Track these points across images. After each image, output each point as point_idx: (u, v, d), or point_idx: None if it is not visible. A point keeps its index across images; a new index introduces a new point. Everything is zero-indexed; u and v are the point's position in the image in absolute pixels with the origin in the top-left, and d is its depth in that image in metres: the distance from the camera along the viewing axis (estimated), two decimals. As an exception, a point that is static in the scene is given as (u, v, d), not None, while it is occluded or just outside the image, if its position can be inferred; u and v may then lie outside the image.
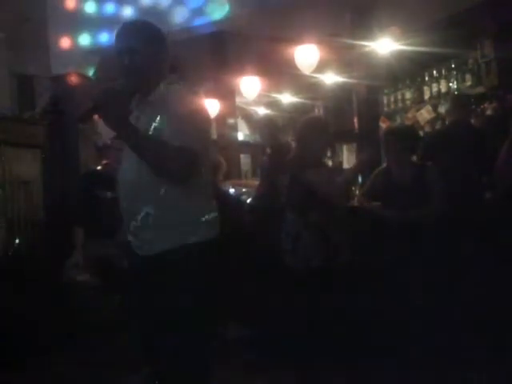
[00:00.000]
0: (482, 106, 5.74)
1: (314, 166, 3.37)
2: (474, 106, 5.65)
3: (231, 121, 6.71)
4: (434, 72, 6.45)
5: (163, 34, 2.20)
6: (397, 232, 3.51)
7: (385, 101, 7.17)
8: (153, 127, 2.03)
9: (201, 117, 2.08)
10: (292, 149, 4.05)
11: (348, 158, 7.80)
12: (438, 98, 6.34)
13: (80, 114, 2.01)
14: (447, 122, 4.83)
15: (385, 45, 5.80)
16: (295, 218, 3.34)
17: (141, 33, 2.14)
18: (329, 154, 4.07)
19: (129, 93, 2.04)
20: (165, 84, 2.14)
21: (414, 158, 4.11)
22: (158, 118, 2.04)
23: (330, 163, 8.02)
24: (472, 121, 5.15)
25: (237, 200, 4.87)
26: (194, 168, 2.00)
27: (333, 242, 3.29)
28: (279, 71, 6.84)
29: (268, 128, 4.83)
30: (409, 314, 3.30)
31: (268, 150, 4.83)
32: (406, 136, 3.79)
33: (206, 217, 2.12)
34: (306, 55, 6.07)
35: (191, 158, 1.97)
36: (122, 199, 2.16)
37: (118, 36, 2.14)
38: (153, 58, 2.12)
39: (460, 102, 4.64)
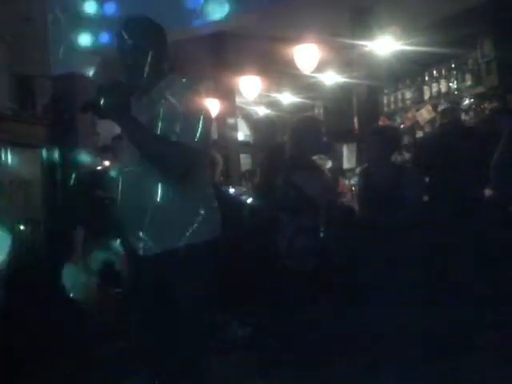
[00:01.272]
0: (481, 106, 5.74)
1: (306, 167, 3.37)
2: (472, 106, 5.69)
3: (231, 121, 6.71)
4: (434, 72, 6.44)
5: (164, 30, 2.20)
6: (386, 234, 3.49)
7: (385, 101, 7.16)
8: (154, 123, 2.02)
9: (202, 115, 2.07)
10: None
11: (348, 158, 7.79)
12: (437, 97, 6.34)
13: (83, 103, 2.02)
14: (440, 125, 4.81)
15: (385, 44, 5.80)
16: (289, 220, 3.33)
17: (143, 31, 2.14)
18: (327, 153, 4.05)
19: (130, 89, 2.05)
20: (166, 81, 2.14)
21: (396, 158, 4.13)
22: (159, 115, 2.03)
23: (329, 163, 8.05)
24: (472, 121, 5.17)
25: (237, 200, 4.86)
26: (193, 165, 2.00)
27: (328, 243, 3.28)
28: (279, 71, 6.85)
29: (266, 128, 4.82)
30: (407, 314, 3.30)
31: (266, 151, 4.81)
32: (389, 137, 3.79)
33: (207, 217, 2.11)
34: (306, 55, 6.08)
35: (191, 155, 1.98)
36: (122, 199, 2.15)
37: (119, 34, 2.14)
38: (155, 56, 2.12)
39: (448, 112, 4.61)
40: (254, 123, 8.72)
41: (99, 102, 1.94)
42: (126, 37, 2.12)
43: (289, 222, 3.34)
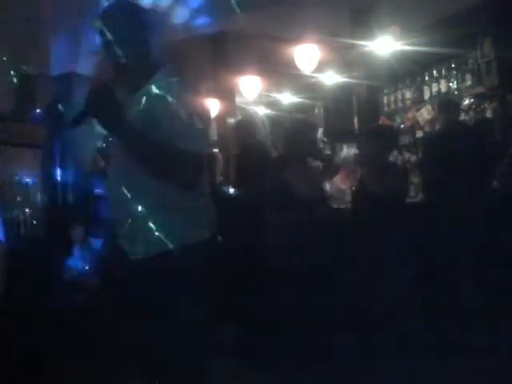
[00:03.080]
0: (481, 106, 5.74)
1: (296, 165, 3.38)
2: (472, 106, 5.70)
3: (231, 121, 6.71)
4: (434, 72, 6.45)
5: (150, 13, 1.98)
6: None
7: (385, 101, 7.16)
8: (150, 125, 1.86)
9: (204, 117, 1.95)
10: (264, 149, 4.11)
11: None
12: (437, 97, 6.34)
13: (72, 118, 1.85)
14: (440, 125, 4.79)
15: (385, 44, 5.80)
16: (276, 218, 3.34)
17: (128, 20, 1.90)
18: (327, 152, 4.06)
19: (121, 88, 1.89)
20: (162, 76, 1.95)
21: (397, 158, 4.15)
22: (156, 115, 1.87)
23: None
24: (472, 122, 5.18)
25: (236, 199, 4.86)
26: (200, 171, 1.91)
27: (315, 242, 3.28)
28: (279, 71, 6.84)
29: (237, 130, 4.77)
30: (401, 313, 3.31)
31: (238, 151, 4.75)
32: (384, 136, 3.80)
33: (206, 216, 2.06)
34: (306, 55, 6.08)
35: (198, 162, 1.87)
36: (115, 201, 2.02)
37: (103, 25, 1.89)
38: (145, 47, 1.94)
39: (447, 107, 4.61)
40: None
41: (91, 113, 1.78)
42: (109, 30, 1.87)
43: (276, 221, 3.34)
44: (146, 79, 1.95)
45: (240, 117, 6.71)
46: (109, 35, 1.87)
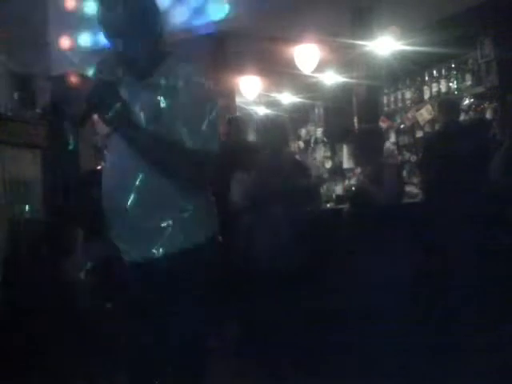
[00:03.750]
0: (481, 106, 5.75)
1: (249, 166, 3.42)
2: (472, 106, 5.70)
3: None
4: (434, 72, 6.45)
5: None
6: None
7: (385, 101, 7.17)
8: (157, 116, 1.79)
9: (216, 113, 1.85)
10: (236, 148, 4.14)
11: (348, 158, 7.79)
12: (438, 97, 6.34)
13: (77, 118, 1.84)
14: (440, 125, 4.80)
15: (385, 45, 5.81)
16: (256, 219, 3.36)
17: (131, 7, 1.79)
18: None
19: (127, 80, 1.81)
20: (168, 63, 1.85)
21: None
22: (164, 106, 1.79)
23: (330, 163, 8.06)
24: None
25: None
26: (207, 171, 1.85)
27: (259, 245, 3.28)
28: (279, 71, 6.85)
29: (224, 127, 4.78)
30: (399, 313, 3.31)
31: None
32: (369, 138, 3.83)
33: (208, 216, 2.01)
34: (306, 55, 6.08)
35: (206, 161, 1.80)
36: (114, 200, 1.95)
37: (103, 15, 1.80)
38: (150, 36, 1.84)
39: (447, 107, 4.60)
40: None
41: (94, 111, 1.74)
42: (111, 20, 1.80)
43: (256, 221, 3.35)
44: (152, 67, 1.86)
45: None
46: (115, 29, 1.80)
